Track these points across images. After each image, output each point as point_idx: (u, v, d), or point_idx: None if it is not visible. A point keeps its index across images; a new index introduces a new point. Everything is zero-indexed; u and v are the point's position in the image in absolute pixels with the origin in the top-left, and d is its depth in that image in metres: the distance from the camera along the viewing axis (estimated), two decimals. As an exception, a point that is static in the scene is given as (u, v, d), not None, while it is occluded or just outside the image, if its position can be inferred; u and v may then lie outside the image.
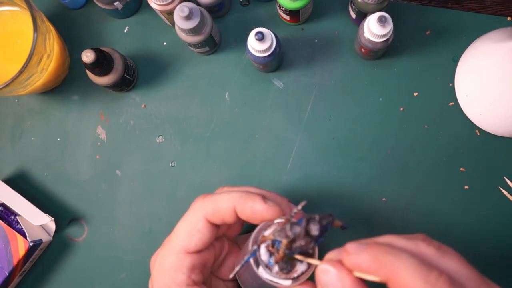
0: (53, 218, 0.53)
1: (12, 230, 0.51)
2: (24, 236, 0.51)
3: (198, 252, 0.36)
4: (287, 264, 0.33)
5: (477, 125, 0.52)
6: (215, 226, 0.37)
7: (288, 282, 0.34)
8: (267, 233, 0.34)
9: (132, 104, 0.57)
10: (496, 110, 0.49)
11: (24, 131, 0.57)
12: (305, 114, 0.55)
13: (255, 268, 0.34)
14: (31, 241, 0.51)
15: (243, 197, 0.36)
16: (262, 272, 0.33)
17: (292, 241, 0.32)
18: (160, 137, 0.56)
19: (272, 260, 0.33)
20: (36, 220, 0.53)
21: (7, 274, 0.50)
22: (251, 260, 0.34)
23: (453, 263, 0.28)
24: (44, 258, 0.55)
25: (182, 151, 0.55)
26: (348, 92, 0.55)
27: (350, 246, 0.29)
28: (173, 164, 0.55)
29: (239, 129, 0.55)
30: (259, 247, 0.34)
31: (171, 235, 0.37)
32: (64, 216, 0.56)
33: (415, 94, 0.54)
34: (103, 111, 0.57)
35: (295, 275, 0.34)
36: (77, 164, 0.56)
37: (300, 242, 0.31)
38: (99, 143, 0.56)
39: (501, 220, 0.52)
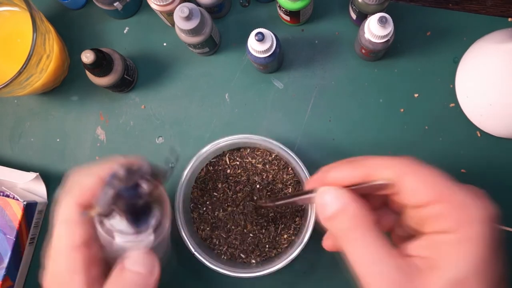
0: (38, 173, 0.53)
1: (2, 197, 0.51)
2: (16, 199, 0.51)
3: (87, 245, 0.32)
4: (136, 219, 0.31)
5: (478, 126, 0.52)
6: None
7: (148, 238, 0.32)
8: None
9: (132, 104, 0.57)
10: (496, 111, 0.49)
11: (23, 132, 0.57)
12: (305, 115, 0.55)
13: (109, 239, 0.32)
14: (24, 201, 0.51)
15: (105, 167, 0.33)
16: (118, 240, 0.32)
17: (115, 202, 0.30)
18: (160, 138, 0.56)
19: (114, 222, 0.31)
20: (21, 179, 0.53)
21: (14, 239, 0.50)
22: (103, 234, 0.32)
23: None
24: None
25: (182, 152, 0.55)
26: (348, 93, 0.54)
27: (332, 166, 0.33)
28: (173, 165, 0.55)
29: (239, 129, 0.55)
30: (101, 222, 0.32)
31: (52, 240, 0.33)
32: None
33: (416, 95, 0.54)
34: (103, 111, 0.57)
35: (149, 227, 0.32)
36: (76, 165, 0.56)
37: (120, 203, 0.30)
38: (98, 144, 0.56)
39: (502, 221, 0.52)
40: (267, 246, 0.50)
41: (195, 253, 0.47)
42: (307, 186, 0.36)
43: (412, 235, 0.33)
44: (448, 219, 0.29)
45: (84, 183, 0.33)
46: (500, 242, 0.30)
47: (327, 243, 0.37)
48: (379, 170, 0.31)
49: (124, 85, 0.54)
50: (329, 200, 0.31)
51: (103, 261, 0.33)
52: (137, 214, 0.32)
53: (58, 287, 0.32)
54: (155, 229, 0.33)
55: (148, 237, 0.32)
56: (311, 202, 0.34)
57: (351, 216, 0.30)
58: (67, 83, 0.58)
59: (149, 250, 0.33)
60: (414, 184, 0.30)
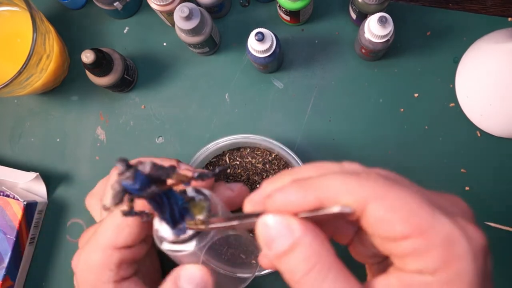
0: (38, 173, 0.53)
1: (2, 197, 0.51)
2: (16, 199, 0.51)
3: (128, 247, 0.33)
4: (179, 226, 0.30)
5: (478, 126, 0.52)
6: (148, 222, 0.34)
7: (188, 246, 0.31)
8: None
9: (132, 104, 0.57)
10: (496, 111, 0.49)
11: (23, 132, 0.57)
12: (305, 115, 0.55)
13: (159, 245, 0.31)
14: (24, 201, 0.51)
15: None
16: (164, 245, 0.31)
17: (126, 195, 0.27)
18: (160, 138, 0.56)
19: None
20: (21, 179, 0.53)
21: (14, 239, 0.50)
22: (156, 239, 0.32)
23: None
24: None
25: (182, 152, 0.55)
26: (348, 93, 0.54)
27: (269, 185, 0.27)
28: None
29: (239, 129, 0.55)
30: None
31: (97, 230, 0.34)
32: (64, 217, 0.55)
33: (416, 95, 0.54)
34: (103, 111, 0.57)
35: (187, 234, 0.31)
36: (76, 165, 0.56)
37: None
38: (98, 144, 0.56)
39: (502, 222, 0.52)
40: (267, 246, 0.50)
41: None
42: (246, 208, 0.29)
43: (379, 255, 0.29)
44: (430, 257, 0.23)
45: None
46: (491, 274, 0.25)
47: (265, 263, 0.29)
48: (337, 194, 0.25)
49: (124, 85, 0.54)
50: (276, 232, 0.25)
51: (140, 261, 0.35)
52: (175, 219, 0.31)
53: (87, 274, 0.33)
54: (197, 237, 0.32)
55: (187, 247, 0.32)
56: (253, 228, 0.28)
57: (307, 255, 0.24)
58: (67, 83, 0.58)
59: (201, 266, 0.32)
60: (382, 214, 0.24)
